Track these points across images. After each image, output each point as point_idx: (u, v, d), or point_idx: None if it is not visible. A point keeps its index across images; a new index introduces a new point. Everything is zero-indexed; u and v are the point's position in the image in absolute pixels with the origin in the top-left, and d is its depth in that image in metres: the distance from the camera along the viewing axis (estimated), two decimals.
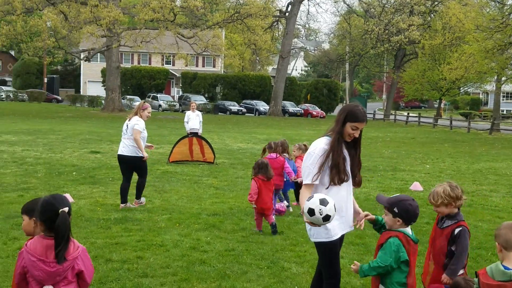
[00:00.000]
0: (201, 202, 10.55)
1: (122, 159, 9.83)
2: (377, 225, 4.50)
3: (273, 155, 9.45)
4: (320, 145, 4.58)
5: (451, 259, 4.53)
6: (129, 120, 9.75)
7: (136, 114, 9.80)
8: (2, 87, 65.64)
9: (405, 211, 4.15)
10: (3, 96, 56.86)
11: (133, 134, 9.57)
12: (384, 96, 80.00)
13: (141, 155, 9.71)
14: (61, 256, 3.47)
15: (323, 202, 4.16)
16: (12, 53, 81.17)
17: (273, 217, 8.42)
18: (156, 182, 12.77)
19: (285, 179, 9.73)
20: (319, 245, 4.65)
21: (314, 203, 4.17)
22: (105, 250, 7.08)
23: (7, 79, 78.11)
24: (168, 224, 8.70)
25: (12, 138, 21.83)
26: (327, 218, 4.16)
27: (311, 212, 4.17)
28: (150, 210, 9.68)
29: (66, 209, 3.53)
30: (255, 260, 6.94)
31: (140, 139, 9.61)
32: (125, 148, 9.71)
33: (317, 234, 4.59)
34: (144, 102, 10.49)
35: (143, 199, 10.16)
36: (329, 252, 4.61)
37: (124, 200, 9.87)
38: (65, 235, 3.48)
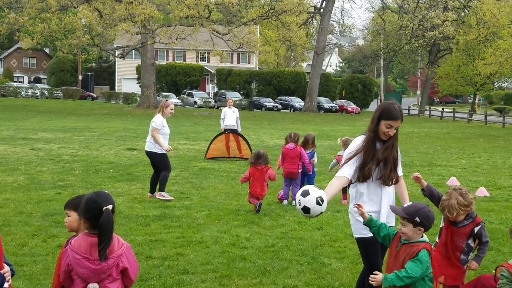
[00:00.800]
0: (239, 199, 10.46)
1: (146, 154, 10.52)
2: (373, 227, 4.24)
3: (291, 145, 10.10)
4: (357, 142, 4.65)
5: (467, 252, 4.73)
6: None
7: (159, 111, 10.17)
8: (37, 84, 66.85)
9: (426, 219, 3.99)
10: (38, 94, 57.84)
11: (151, 131, 10.03)
12: (418, 92, 78.89)
13: (159, 151, 10.07)
14: (103, 254, 3.42)
15: (304, 194, 4.16)
16: (47, 50, 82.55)
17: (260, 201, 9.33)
18: (194, 178, 12.74)
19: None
20: (358, 241, 4.70)
21: (298, 194, 4.20)
22: (145, 247, 7.04)
23: (42, 76, 79.62)
24: (207, 220, 8.63)
25: (48, 135, 22.12)
26: (306, 210, 4.14)
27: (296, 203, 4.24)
28: (188, 207, 9.63)
29: (110, 206, 3.47)
30: (295, 256, 6.84)
31: (158, 136, 9.97)
32: (146, 144, 10.32)
33: (356, 230, 4.64)
34: (166, 99, 10.80)
35: (166, 195, 10.25)
36: (366, 248, 4.62)
37: (152, 189, 10.35)
38: (108, 233, 3.43)
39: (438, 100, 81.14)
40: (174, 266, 6.33)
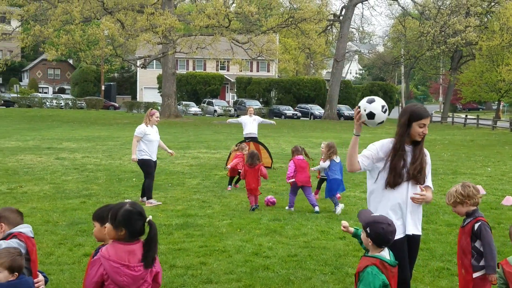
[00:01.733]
0: (260, 207, 10.49)
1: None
2: (359, 239, 4.27)
3: (300, 156, 10.59)
4: (385, 144, 4.64)
5: (477, 257, 4.59)
6: None
7: (144, 120, 10.78)
8: (61, 95, 67.77)
9: (376, 234, 3.91)
10: (62, 104, 58.62)
11: (133, 138, 10.75)
12: (440, 98, 78.10)
13: (141, 157, 10.63)
14: (151, 260, 3.52)
15: (370, 101, 4.49)
16: (71, 61, 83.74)
17: (257, 199, 10.46)
18: (215, 187, 12.82)
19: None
20: None
21: (363, 101, 4.49)
22: (169, 256, 7.11)
23: (65, 87, 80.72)
24: (229, 229, 8.68)
25: (72, 145, 22.41)
26: (371, 116, 4.44)
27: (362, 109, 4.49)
28: (210, 216, 9.69)
29: (150, 216, 3.58)
30: (318, 266, 6.84)
31: (136, 143, 10.62)
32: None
33: None
34: (151, 109, 11.51)
35: (154, 201, 10.69)
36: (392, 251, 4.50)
37: (142, 194, 10.99)
38: (156, 241, 3.56)
39: (461, 106, 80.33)
40: (198, 275, 6.38)
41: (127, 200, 3.80)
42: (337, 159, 10.88)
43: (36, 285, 3.70)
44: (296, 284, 6.16)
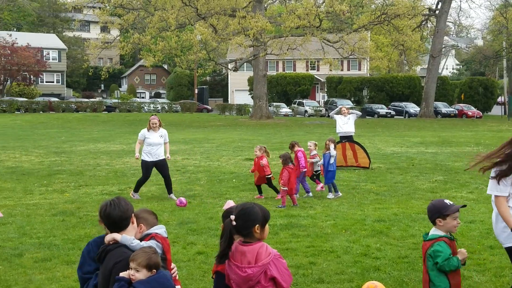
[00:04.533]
0: (363, 208, 10.38)
1: None
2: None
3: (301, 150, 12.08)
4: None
5: None
6: None
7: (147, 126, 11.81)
8: (158, 99, 70.44)
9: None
10: (159, 108, 60.79)
11: None
12: None
13: (142, 158, 11.73)
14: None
15: None
16: (165, 67, 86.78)
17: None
18: (314, 188, 12.79)
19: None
20: (510, 251, 4.48)
21: None
22: None
23: (161, 91, 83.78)
24: (334, 230, 8.65)
25: (171, 147, 22.78)
26: None
27: None
28: (313, 216, 9.70)
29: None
30: None
31: (139, 145, 11.94)
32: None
33: (508, 239, 4.46)
34: (152, 114, 12.95)
35: (136, 195, 11.70)
36: None
37: (168, 191, 11.85)
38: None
39: None
40: (309, 274, 6.42)
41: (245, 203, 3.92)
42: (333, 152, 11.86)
43: (172, 271, 3.99)
44: (410, 285, 6.06)
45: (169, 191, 11.79)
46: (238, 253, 3.63)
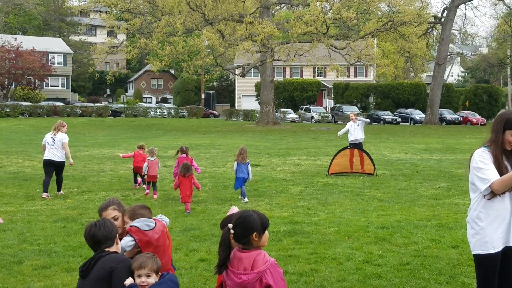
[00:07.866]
0: (367, 215, 10.41)
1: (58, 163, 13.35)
2: None
3: (184, 155, 12.63)
4: (486, 156, 4.41)
5: None
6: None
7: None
8: (164, 104, 70.61)
9: None
10: (165, 113, 60.97)
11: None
12: None
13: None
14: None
15: None
16: (172, 72, 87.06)
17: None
18: (319, 194, 12.85)
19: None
20: (475, 258, 4.50)
21: None
22: (280, 263, 7.17)
23: (168, 96, 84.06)
24: (337, 237, 8.69)
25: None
26: None
27: None
28: (317, 223, 9.74)
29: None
30: (432, 275, 6.70)
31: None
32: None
33: (474, 246, 4.46)
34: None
35: (45, 195, 12.48)
36: (481, 266, 4.42)
37: (58, 188, 13.05)
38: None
39: None
40: (311, 282, 6.46)
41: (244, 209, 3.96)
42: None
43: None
44: None
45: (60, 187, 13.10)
46: (236, 259, 3.65)
